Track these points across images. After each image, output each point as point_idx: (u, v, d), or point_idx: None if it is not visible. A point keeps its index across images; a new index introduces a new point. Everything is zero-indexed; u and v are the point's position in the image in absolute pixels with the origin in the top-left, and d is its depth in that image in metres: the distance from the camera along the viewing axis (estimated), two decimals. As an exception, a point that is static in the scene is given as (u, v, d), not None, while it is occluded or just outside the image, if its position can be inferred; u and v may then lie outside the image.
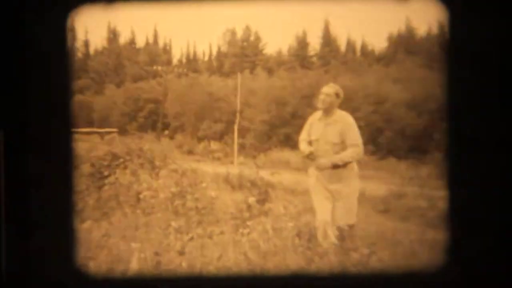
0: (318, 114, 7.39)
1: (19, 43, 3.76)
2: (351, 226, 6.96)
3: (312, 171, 7.33)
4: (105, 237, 5.99)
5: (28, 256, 3.74)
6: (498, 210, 3.72)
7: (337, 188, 7.16)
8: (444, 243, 3.74)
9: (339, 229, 6.73)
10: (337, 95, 7.10)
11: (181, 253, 5.40)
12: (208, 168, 14.46)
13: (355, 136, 7.14)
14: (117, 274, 4.95)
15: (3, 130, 3.74)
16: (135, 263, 5.07)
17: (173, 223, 6.40)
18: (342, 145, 7.15)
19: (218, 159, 20.79)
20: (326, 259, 5.70)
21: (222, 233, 6.42)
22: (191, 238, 5.84)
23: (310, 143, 7.38)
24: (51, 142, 3.79)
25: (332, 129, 7.19)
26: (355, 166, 7.23)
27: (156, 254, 5.26)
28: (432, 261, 6.26)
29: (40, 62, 3.78)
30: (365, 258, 5.78)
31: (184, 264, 5.09)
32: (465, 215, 3.78)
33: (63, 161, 3.80)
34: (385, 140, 22.79)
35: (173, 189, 8.00)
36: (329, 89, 7.10)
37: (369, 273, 5.02)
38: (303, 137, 7.56)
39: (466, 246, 3.77)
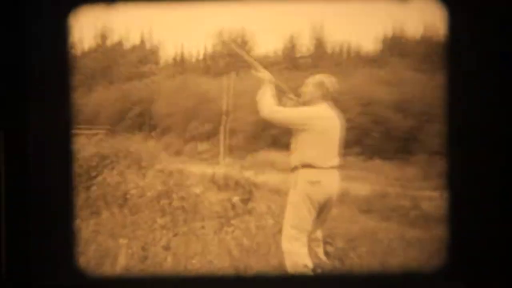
0: None
1: (19, 43, 3.77)
2: None
3: None
4: (93, 234, 6.16)
5: (28, 256, 3.76)
6: (498, 210, 3.72)
7: None
8: (445, 243, 3.76)
9: None
10: (319, 85, 6.10)
11: (166, 248, 5.57)
12: (195, 168, 14.61)
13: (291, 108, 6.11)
14: (108, 270, 5.05)
15: (3, 130, 3.75)
16: (123, 258, 5.24)
17: (159, 220, 6.56)
18: None
19: (205, 160, 20.88)
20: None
21: (206, 230, 6.60)
22: (176, 234, 6.00)
23: None
24: (51, 142, 3.82)
25: None
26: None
27: (143, 249, 5.43)
28: (408, 259, 6.47)
29: (41, 62, 3.80)
30: (341, 251, 5.91)
31: (169, 259, 5.27)
32: (465, 215, 3.77)
33: (63, 161, 3.83)
34: (371, 142, 22.92)
35: (160, 189, 8.17)
36: (311, 79, 6.19)
37: (369, 273, 5.01)
38: None
39: (466, 246, 3.73)
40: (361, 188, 13.92)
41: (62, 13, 3.82)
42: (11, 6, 3.78)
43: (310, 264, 5.57)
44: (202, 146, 24.54)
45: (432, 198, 13.62)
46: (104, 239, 5.96)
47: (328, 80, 6.11)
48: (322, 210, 5.98)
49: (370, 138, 22.98)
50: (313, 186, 5.87)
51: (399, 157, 22.32)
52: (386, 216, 12.05)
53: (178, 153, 24.08)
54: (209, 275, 4.83)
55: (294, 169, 5.98)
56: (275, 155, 22.21)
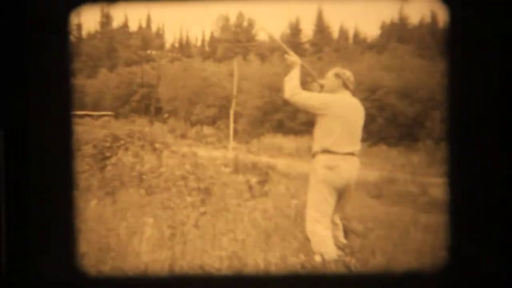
0: None
1: (19, 43, 3.74)
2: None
3: None
4: (122, 211, 6.21)
5: (28, 256, 3.73)
6: (498, 210, 3.71)
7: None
8: (444, 243, 3.76)
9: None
10: (336, 75, 6.21)
11: (195, 226, 5.63)
12: (203, 152, 14.67)
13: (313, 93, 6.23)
14: (136, 248, 5.10)
15: (3, 130, 3.72)
16: (149, 236, 5.30)
17: (188, 198, 6.62)
18: None
19: (211, 143, 20.92)
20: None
21: (227, 211, 6.65)
22: (204, 213, 6.07)
23: None
24: (51, 142, 3.78)
25: None
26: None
27: (170, 227, 5.48)
28: (427, 242, 6.50)
29: (41, 62, 3.77)
30: (362, 234, 5.97)
31: (196, 237, 5.33)
32: (465, 215, 3.76)
33: (63, 161, 3.78)
34: (377, 127, 22.94)
35: (176, 170, 8.20)
36: (329, 72, 6.32)
37: (369, 273, 5.00)
38: None
39: (466, 246, 3.76)
40: (369, 174, 13.94)
41: (62, 12, 3.78)
42: (11, 6, 3.74)
43: (333, 245, 5.65)
44: (208, 130, 24.62)
45: (440, 184, 13.66)
46: (127, 218, 6.02)
47: (344, 71, 6.25)
48: (341, 195, 6.05)
49: (375, 124, 22.97)
50: (331, 171, 5.95)
51: (404, 143, 22.40)
52: (395, 201, 12.11)
53: (183, 136, 24.13)
54: (210, 274, 4.84)
55: (314, 154, 6.08)
56: (281, 140, 22.33)
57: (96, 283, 4.05)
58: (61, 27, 3.79)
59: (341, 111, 6.08)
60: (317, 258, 5.55)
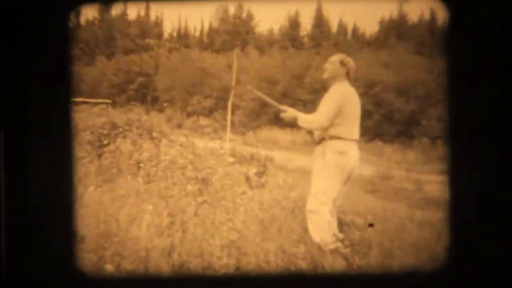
0: None
1: (19, 43, 3.77)
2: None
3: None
4: (120, 198, 6.23)
5: (28, 256, 3.76)
6: (498, 210, 3.73)
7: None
8: (444, 243, 3.77)
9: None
10: (341, 63, 6.26)
11: (195, 214, 5.66)
12: (199, 142, 14.67)
13: (323, 105, 6.26)
14: (135, 234, 5.12)
15: (3, 130, 3.75)
16: (148, 223, 5.32)
17: (189, 187, 6.64)
18: None
19: (207, 134, 20.92)
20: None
21: (224, 200, 6.68)
22: (204, 201, 6.09)
23: None
24: (51, 142, 3.81)
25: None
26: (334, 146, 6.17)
27: (170, 215, 5.51)
28: (423, 238, 6.53)
29: (41, 62, 3.80)
30: (362, 228, 6.01)
31: (196, 225, 5.35)
32: (465, 215, 3.78)
33: (63, 161, 3.82)
34: (372, 123, 22.94)
35: (175, 160, 8.20)
36: (333, 57, 6.37)
37: (369, 273, 5.01)
38: None
39: (466, 247, 3.76)
40: (364, 169, 13.95)
41: (62, 12, 3.81)
42: (11, 6, 3.77)
43: (331, 231, 5.73)
44: (204, 120, 24.60)
45: (435, 182, 13.73)
46: (126, 205, 6.04)
47: (348, 59, 6.31)
48: (344, 182, 6.14)
49: (371, 120, 22.96)
50: (341, 156, 6.05)
51: (400, 140, 22.42)
52: (390, 197, 12.16)
53: (179, 126, 24.09)
54: (209, 275, 4.86)
55: (321, 140, 6.14)
56: (277, 132, 22.32)
57: (96, 283, 4.09)
58: (61, 27, 3.83)
59: (350, 99, 6.18)
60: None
